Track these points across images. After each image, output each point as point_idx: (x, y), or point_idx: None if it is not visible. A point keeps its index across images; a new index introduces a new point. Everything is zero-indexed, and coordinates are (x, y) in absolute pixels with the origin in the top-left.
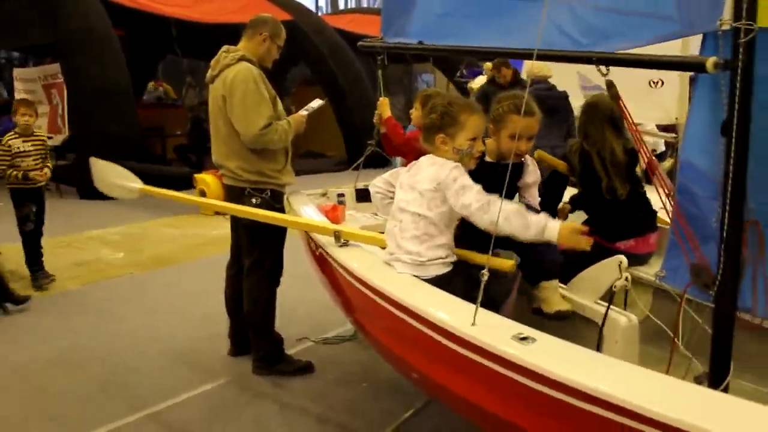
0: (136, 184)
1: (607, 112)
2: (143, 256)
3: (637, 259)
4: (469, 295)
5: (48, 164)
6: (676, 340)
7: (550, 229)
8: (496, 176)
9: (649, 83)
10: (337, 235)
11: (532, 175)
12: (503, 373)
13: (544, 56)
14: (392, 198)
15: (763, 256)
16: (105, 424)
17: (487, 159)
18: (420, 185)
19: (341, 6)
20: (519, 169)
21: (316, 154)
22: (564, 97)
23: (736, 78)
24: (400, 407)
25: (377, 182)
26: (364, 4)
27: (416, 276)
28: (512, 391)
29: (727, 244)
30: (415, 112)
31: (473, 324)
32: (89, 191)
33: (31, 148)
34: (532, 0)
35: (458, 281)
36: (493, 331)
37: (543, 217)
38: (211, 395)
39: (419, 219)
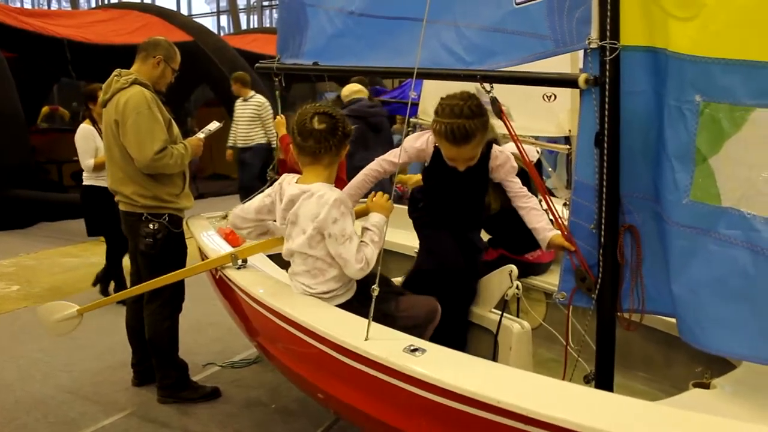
0: (72, 309)
1: None
2: (39, 287)
3: (540, 268)
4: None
5: None
6: (566, 343)
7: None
8: (455, 175)
9: (543, 97)
10: (234, 258)
11: (504, 164)
12: (397, 384)
13: (426, 74)
14: (265, 230)
15: (640, 260)
16: None
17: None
18: (301, 224)
19: (243, 26)
20: (483, 166)
21: (222, 176)
22: (385, 114)
23: (605, 93)
24: (309, 428)
25: (240, 223)
26: (267, 24)
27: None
28: (407, 403)
29: (604, 248)
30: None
31: (366, 339)
32: None
33: None
34: (419, 20)
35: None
36: (385, 344)
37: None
38: (114, 428)
39: (306, 257)
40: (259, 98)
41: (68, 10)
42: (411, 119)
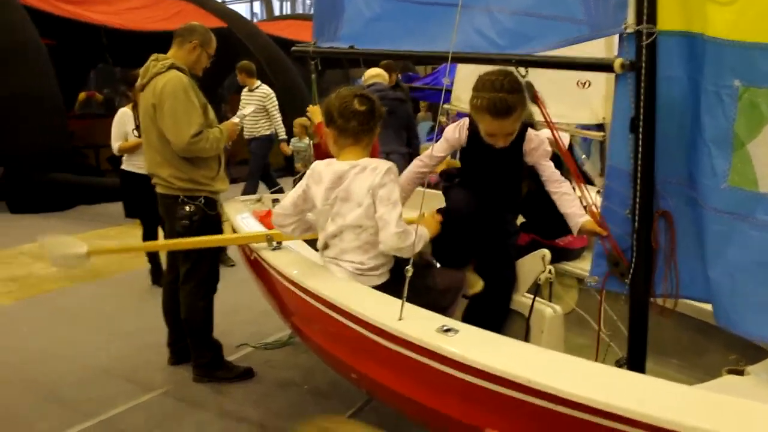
0: (82, 248)
1: None
2: (78, 269)
3: (573, 254)
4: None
5: None
6: (599, 328)
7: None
8: (491, 156)
9: (577, 84)
10: (269, 239)
11: (538, 146)
12: (429, 364)
13: (461, 59)
14: (308, 226)
15: (674, 245)
16: None
17: (486, 140)
18: (356, 197)
19: (276, 12)
20: (518, 146)
21: None
22: (401, 99)
23: (640, 78)
24: (342, 408)
25: (282, 221)
26: (299, 10)
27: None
28: (440, 382)
29: (638, 234)
30: None
31: (400, 319)
32: (20, 205)
33: None
34: (454, 5)
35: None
36: (418, 324)
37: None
38: (151, 405)
39: (360, 231)
40: (265, 89)
41: None
42: (444, 105)
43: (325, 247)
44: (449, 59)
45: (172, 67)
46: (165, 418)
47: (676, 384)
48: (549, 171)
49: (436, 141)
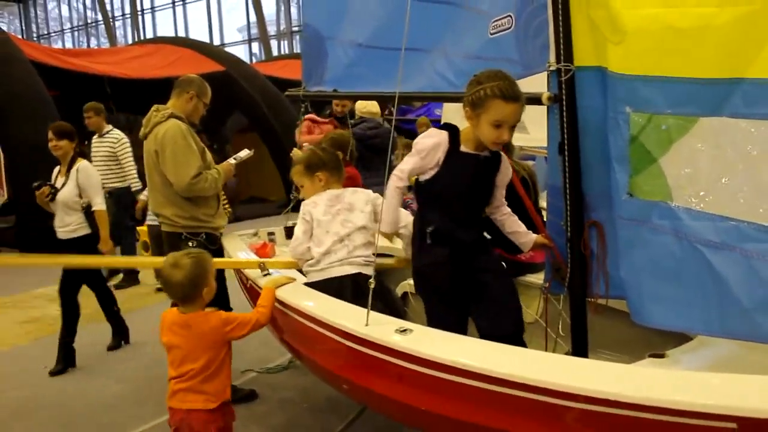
0: None
1: None
2: (89, 309)
3: (536, 267)
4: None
5: None
6: (546, 325)
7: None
8: (474, 168)
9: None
10: (261, 267)
11: (507, 171)
12: (391, 361)
13: (409, 97)
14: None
15: (605, 251)
16: None
17: (463, 149)
18: (359, 207)
19: (274, 52)
20: (497, 162)
21: (259, 199)
22: (388, 133)
23: (563, 108)
24: (337, 422)
25: (303, 255)
26: (297, 50)
27: (363, 273)
28: (401, 376)
29: (570, 242)
30: None
31: (366, 324)
32: (31, 250)
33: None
34: (420, 51)
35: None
36: (381, 328)
37: None
38: (162, 427)
39: (366, 231)
40: (116, 134)
41: (108, 48)
42: None
43: (325, 254)
44: (396, 98)
45: (171, 116)
46: None
47: (608, 363)
48: (502, 197)
49: None
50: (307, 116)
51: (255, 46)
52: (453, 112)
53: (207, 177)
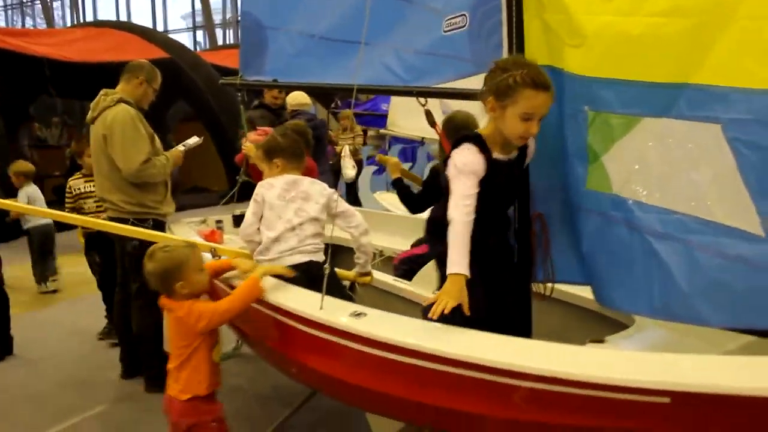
0: None
1: (462, 127)
2: (27, 295)
3: None
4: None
5: None
6: None
7: None
8: (507, 177)
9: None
10: (213, 252)
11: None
12: (344, 344)
13: (366, 90)
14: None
15: (547, 239)
16: None
17: (495, 156)
18: (314, 197)
19: (219, 41)
20: (524, 157)
21: (201, 189)
22: (325, 125)
23: None
24: (282, 409)
25: (250, 231)
26: None
27: (314, 261)
28: (354, 359)
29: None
30: None
31: (321, 308)
32: None
33: (93, 189)
34: (368, 44)
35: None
36: (336, 311)
37: None
38: (107, 414)
39: (317, 222)
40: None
41: (47, 29)
42: (381, 131)
43: (275, 241)
44: (354, 91)
45: (120, 101)
46: (122, 425)
47: (549, 343)
48: None
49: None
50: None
51: (199, 34)
52: (399, 106)
53: (156, 163)
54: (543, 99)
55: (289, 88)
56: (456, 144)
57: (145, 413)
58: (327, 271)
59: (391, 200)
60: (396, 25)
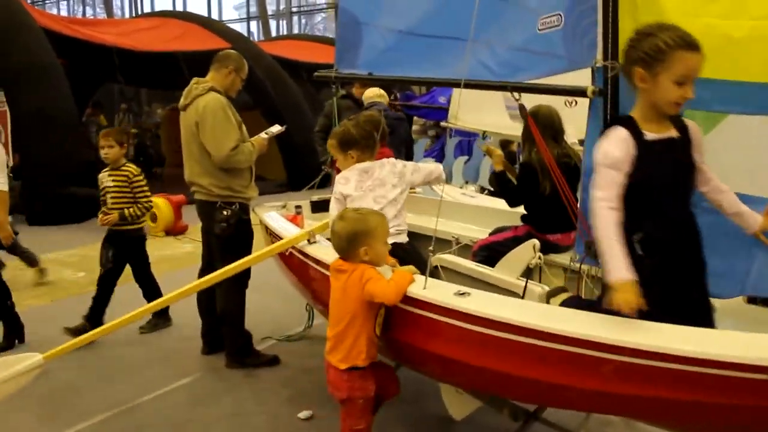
0: (34, 357)
1: (545, 122)
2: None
3: (559, 249)
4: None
5: (132, 208)
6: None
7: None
8: (671, 157)
9: (565, 103)
10: (312, 235)
11: (698, 136)
12: (449, 322)
13: (470, 85)
14: None
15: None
16: (98, 413)
17: (648, 136)
18: (390, 181)
19: (273, 32)
20: (686, 134)
21: (258, 177)
22: (401, 118)
23: (607, 101)
24: None
25: None
26: (295, 30)
27: (397, 242)
28: (455, 336)
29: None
30: None
31: (425, 287)
32: (37, 218)
33: (112, 184)
34: (459, 39)
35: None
36: (440, 290)
37: None
38: (190, 386)
39: (397, 203)
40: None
41: (112, 19)
42: (442, 123)
43: None
44: (462, 85)
45: (211, 89)
46: (205, 396)
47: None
48: (707, 169)
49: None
50: None
51: (253, 24)
52: (463, 102)
53: (244, 149)
54: (697, 59)
55: (384, 81)
56: (605, 129)
57: (227, 387)
58: (432, 254)
59: (447, 191)
60: (490, 21)
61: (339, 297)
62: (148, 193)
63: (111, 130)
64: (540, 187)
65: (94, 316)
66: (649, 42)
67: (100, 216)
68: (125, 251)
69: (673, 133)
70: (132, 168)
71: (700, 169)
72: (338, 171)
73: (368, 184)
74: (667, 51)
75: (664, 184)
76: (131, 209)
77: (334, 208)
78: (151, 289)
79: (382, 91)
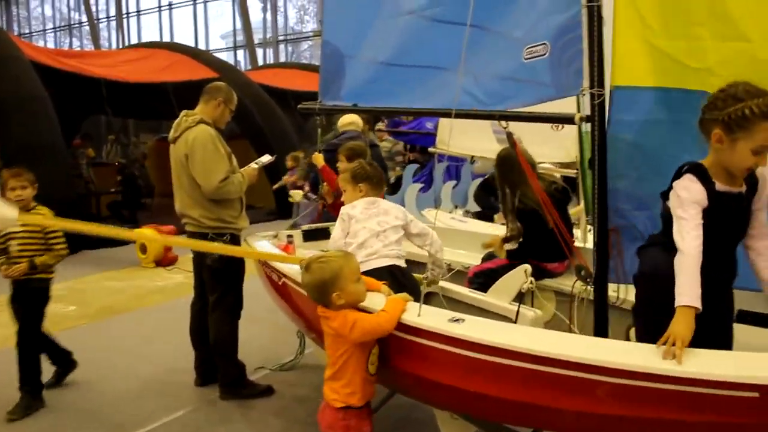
0: (12, 212)
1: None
2: (93, 308)
3: (554, 275)
4: None
5: (44, 256)
6: (570, 323)
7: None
8: (736, 209)
9: (551, 127)
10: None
11: (764, 190)
12: (444, 348)
13: (459, 115)
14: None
15: (620, 252)
16: None
17: (719, 187)
18: (393, 212)
19: (260, 61)
20: (754, 187)
21: (247, 206)
22: (373, 144)
23: (594, 127)
24: None
25: (340, 244)
26: (282, 59)
27: (397, 265)
28: (451, 362)
29: (598, 246)
30: (341, 164)
31: (419, 315)
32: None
33: (20, 229)
34: (445, 69)
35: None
36: (434, 317)
37: None
38: (185, 419)
39: (399, 230)
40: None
41: (100, 51)
42: (429, 149)
43: (360, 247)
44: (453, 115)
45: (200, 122)
46: (199, 428)
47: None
48: (763, 222)
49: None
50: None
51: (239, 53)
52: (447, 126)
53: (233, 180)
54: None
55: (369, 112)
56: (678, 175)
57: (221, 419)
58: (426, 281)
59: (439, 217)
60: (475, 50)
61: (330, 342)
62: (63, 239)
63: (21, 169)
64: (545, 224)
65: (29, 378)
66: (737, 107)
67: (2, 268)
68: (33, 303)
69: (742, 188)
70: (45, 211)
71: (753, 214)
72: (331, 205)
73: (373, 211)
74: (752, 119)
75: (722, 230)
76: (43, 257)
77: (338, 228)
78: (49, 346)
79: (355, 118)
